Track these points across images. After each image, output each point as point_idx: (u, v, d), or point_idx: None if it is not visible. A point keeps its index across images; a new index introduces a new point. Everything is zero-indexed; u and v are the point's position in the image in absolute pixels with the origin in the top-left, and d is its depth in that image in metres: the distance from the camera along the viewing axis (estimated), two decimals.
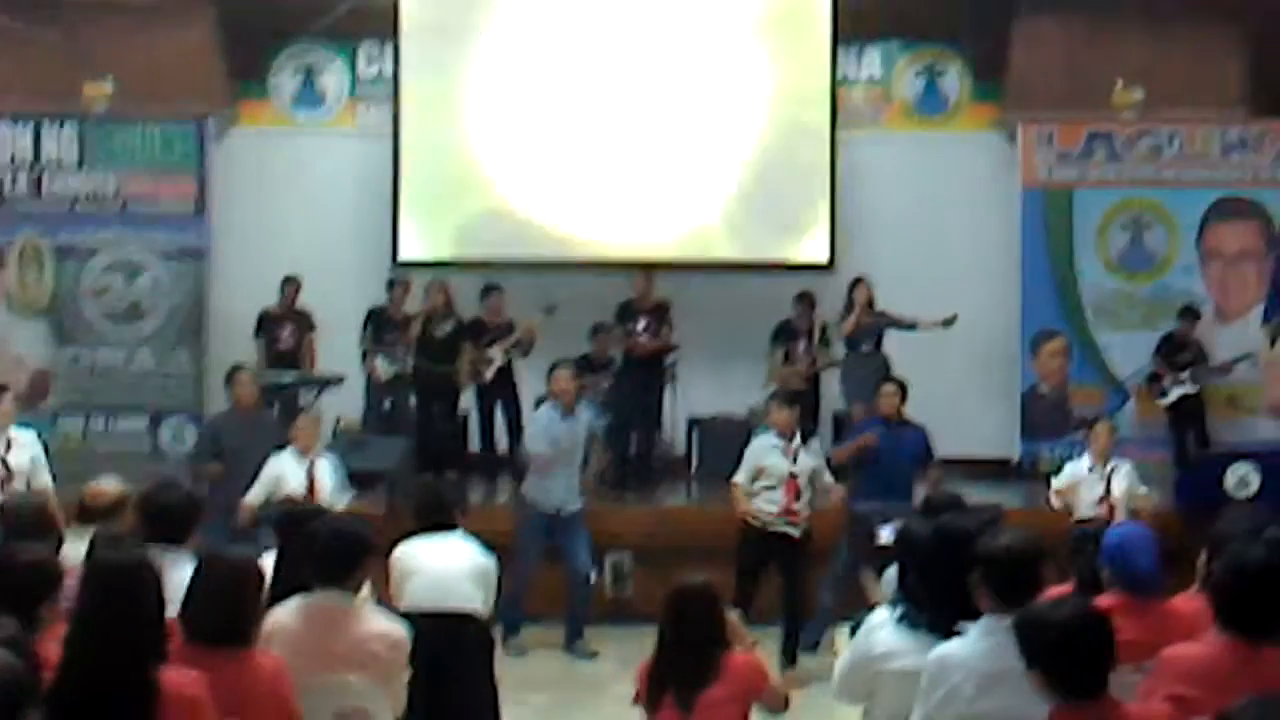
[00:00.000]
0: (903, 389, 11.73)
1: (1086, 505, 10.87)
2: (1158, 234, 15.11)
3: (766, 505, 10.67)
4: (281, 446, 10.79)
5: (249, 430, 11.36)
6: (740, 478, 10.90)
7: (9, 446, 10.39)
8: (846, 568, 10.98)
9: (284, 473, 10.58)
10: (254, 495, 10.45)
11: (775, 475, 10.70)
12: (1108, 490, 10.89)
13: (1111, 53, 15.19)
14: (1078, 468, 11.18)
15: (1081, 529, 7.29)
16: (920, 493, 10.89)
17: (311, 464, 10.67)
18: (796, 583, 10.71)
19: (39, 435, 11.02)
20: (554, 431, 11.30)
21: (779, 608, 10.59)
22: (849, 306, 13.95)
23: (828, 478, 10.94)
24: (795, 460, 10.73)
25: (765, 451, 10.87)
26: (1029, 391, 14.09)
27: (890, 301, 14.35)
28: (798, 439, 10.85)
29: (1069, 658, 4.44)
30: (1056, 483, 11.14)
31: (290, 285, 14.34)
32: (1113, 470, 11.00)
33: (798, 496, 10.66)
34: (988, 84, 15.91)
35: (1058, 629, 4.46)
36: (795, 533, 10.64)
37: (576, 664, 11.06)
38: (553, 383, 11.49)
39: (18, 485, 10.18)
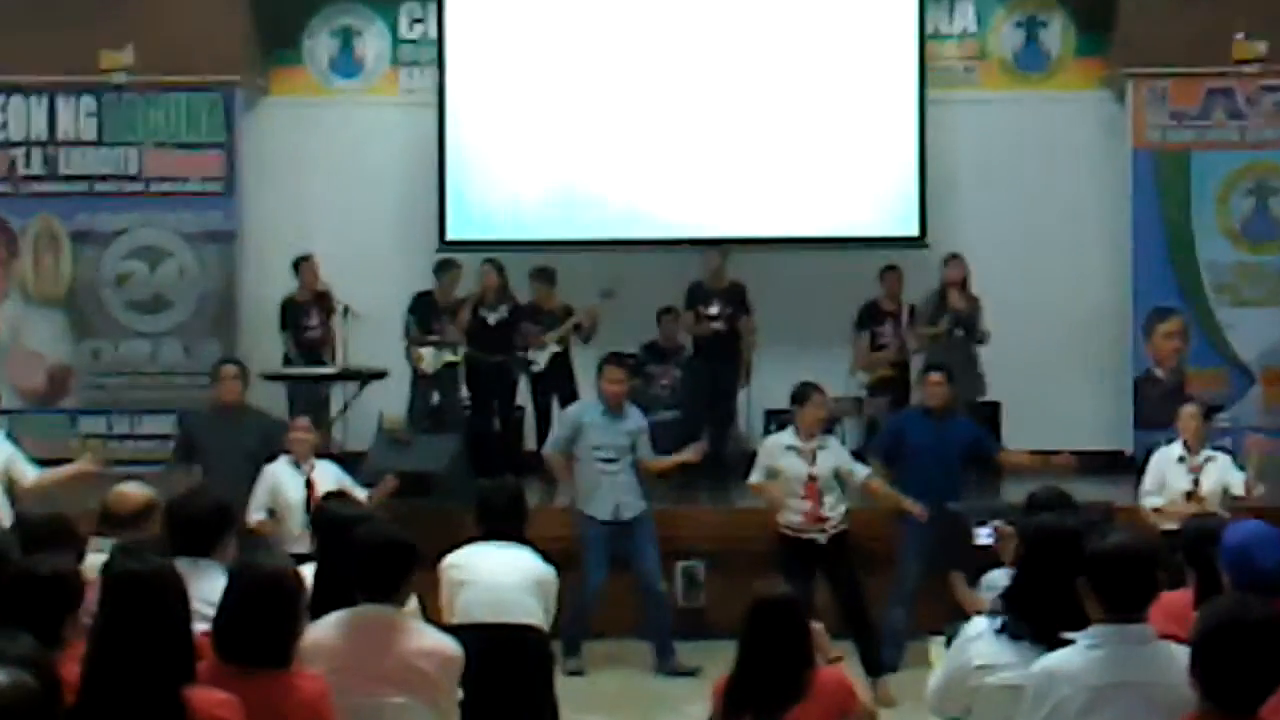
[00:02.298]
0: (949, 376, 11.68)
1: (1174, 498, 10.81)
2: None
3: (792, 516, 10.76)
4: (273, 456, 10.83)
5: (229, 429, 11.41)
6: (755, 478, 11.08)
7: None
8: (913, 578, 11.03)
9: (280, 483, 10.62)
10: (254, 514, 10.45)
11: (794, 479, 10.78)
12: (1196, 483, 10.85)
13: (1227, 3, 15.11)
14: (1165, 455, 11.14)
15: (1199, 524, 7.23)
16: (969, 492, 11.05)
17: (309, 473, 10.72)
18: (850, 588, 10.74)
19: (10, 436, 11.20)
20: (585, 424, 11.45)
21: (838, 621, 10.53)
22: (941, 288, 13.97)
23: (859, 472, 10.99)
24: (814, 461, 10.79)
25: (779, 452, 10.97)
26: (1143, 376, 14.07)
27: (984, 278, 14.34)
28: (819, 436, 10.91)
29: (1238, 664, 4.41)
30: (1148, 499, 11.01)
31: (305, 265, 14.38)
32: (1207, 460, 10.96)
33: (821, 499, 10.73)
34: (1093, 37, 15.85)
35: (1227, 632, 4.45)
36: (822, 539, 10.70)
37: (644, 682, 11.09)
38: (601, 380, 11.58)
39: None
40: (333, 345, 14.27)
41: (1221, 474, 10.89)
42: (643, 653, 11.34)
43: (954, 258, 14.19)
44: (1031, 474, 11.07)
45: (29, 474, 10.62)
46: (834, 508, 10.78)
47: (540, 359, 14.11)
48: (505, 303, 14.35)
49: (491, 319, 14.26)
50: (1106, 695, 5.05)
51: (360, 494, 10.48)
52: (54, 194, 15.38)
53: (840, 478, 10.87)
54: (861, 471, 10.97)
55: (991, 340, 14.09)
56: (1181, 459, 11.00)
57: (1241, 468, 11.05)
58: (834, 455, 10.91)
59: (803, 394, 11.02)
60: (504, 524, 7.92)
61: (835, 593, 10.58)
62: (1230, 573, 5.93)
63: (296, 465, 10.73)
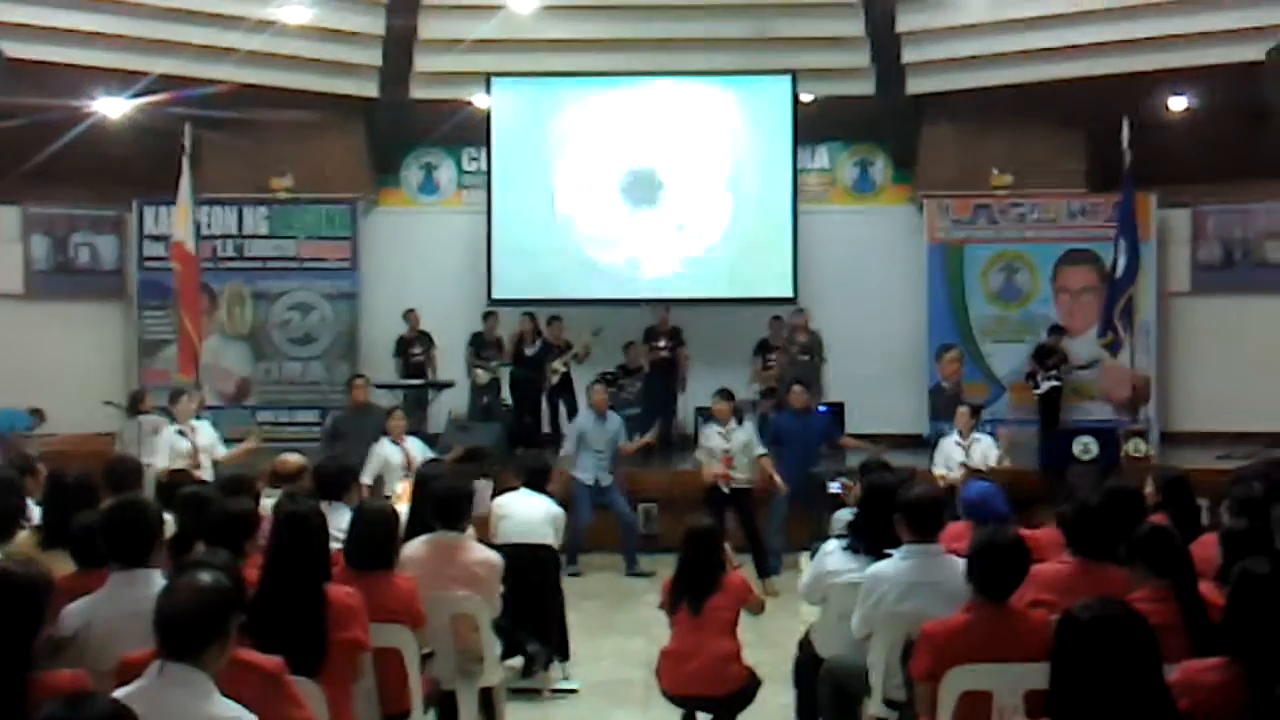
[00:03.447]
0: (808, 388, 11.87)
1: (951, 467, 10.80)
2: (1024, 275, 15.08)
3: (713, 475, 10.75)
4: (383, 434, 10.65)
5: (360, 419, 11.35)
6: (700, 455, 11.06)
7: (194, 432, 10.51)
8: (784, 518, 11.01)
9: (386, 456, 10.41)
10: (367, 476, 10.12)
11: (716, 451, 10.77)
12: (967, 455, 10.84)
13: (990, 148, 15.20)
14: (947, 440, 11.13)
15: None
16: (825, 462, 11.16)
17: (404, 446, 10.53)
18: (749, 521, 10.72)
19: (221, 422, 11.29)
20: (585, 430, 11.37)
21: (741, 541, 10.48)
22: (790, 330, 14.03)
23: (757, 449, 10.89)
24: (729, 439, 10.76)
25: (708, 435, 10.99)
26: (934, 386, 14.02)
27: (834, 323, 14.36)
28: (733, 423, 10.87)
29: (990, 569, 4.44)
30: (936, 469, 10.93)
31: (411, 314, 14.37)
32: (974, 442, 10.95)
33: (733, 464, 10.70)
34: (904, 171, 15.88)
35: (992, 549, 4.47)
36: (727, 489, 10.67)
37: (619, 580, 11.02)
38: (591, 394, 11.64)
39: (203, 458, 10.30)
40: (429, 368, 14.25)
41: (984, 451, 10.91)
42: (618, 561, 11.30)
43: (798, 310, 14.27)
44: (860, 450, 11.11)
45: (222, 449, 10.61)
46: (742, 470, 10.76)
47: (553, 378, 14.07)
48: (537, 340, 14.30)
49: (528, 352, 14.20)
50: (913, 589, 5.07)
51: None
52: (241, 269, 15.29)
53: (746, 450, 10.85)
54: (759, 450, 10.90)
55: (836, 364, 14.17)
56: (958, 442, 11.01)
57: (1010, 445, 11.13)
58: (743, 435, 10.88)
59: (717, 396, 11.06)
60: (541, 481, 7.97)
61: (740, 524, 10.56)
62: (969, 516, 5.92)
63: (394, 441, 10.62)
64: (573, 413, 13.54)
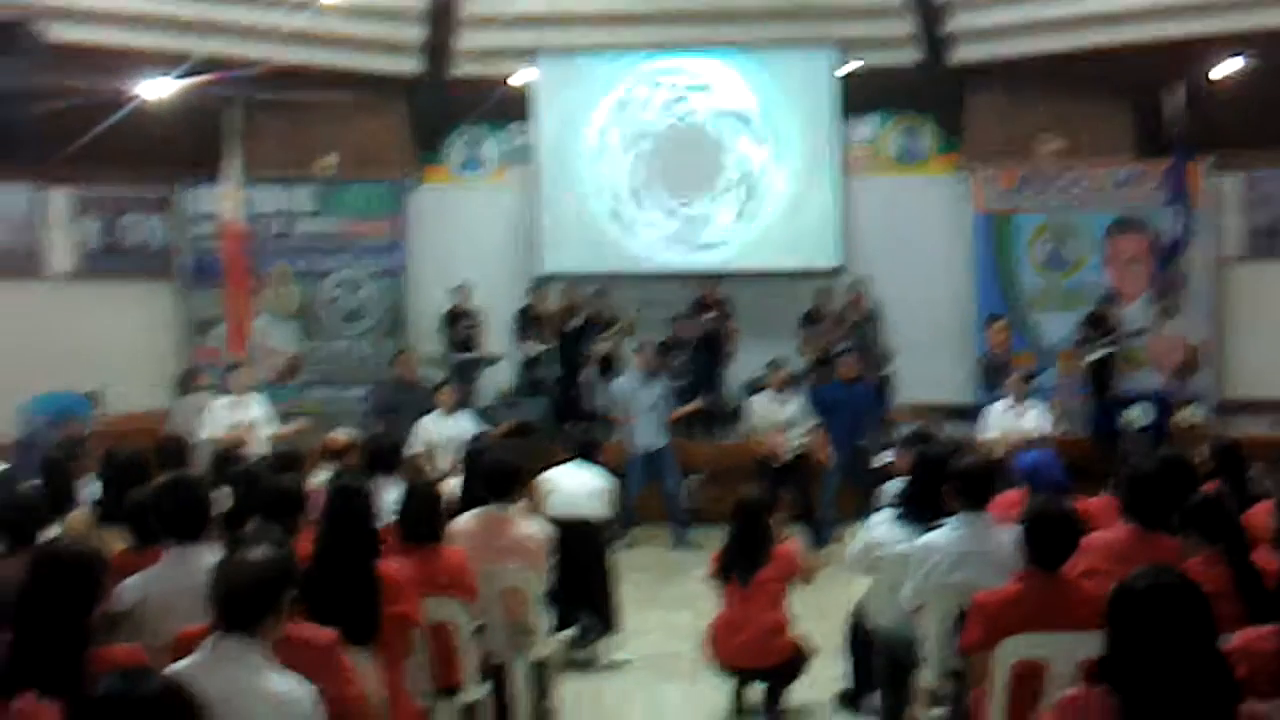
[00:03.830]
0: (860, 359, 11.97)
1: (999, 431, 10.70)
2: (1071, 244, 14.89)
3: (765, 446, 10.86)
4: (430, 409, 10.64)
5: (406, 395, 11.30)
6: (745, 428, 11.31)
7: (245, 406, 10.62)
8: (835, 490, 11.03)
9: (429, 430, 10.41)
10: (414, 450, 10.10)
11: (768, 423, 10.77)
12: (1018, 422, 10.73)
13: (1036, 117, 15.01)
14: (995, 409, 11.03)
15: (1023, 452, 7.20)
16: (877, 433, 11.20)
17: (452, 420, 10.51)
18: (801, 492, 10.74)
19: (271, 400, 11.50)
20: (626, 391, 11.53)
21: (800, 511, 10.55)
22: (845, 306, 13.97)
23: (810, 420, 10.94)
24: (782, 411, 10.89)
25: (758, 406, 11.11)
26: (983, 356, 13.92)
27: (881, 293, 14.26)
28: (785, 394, 10.90)
29: (1042, 539, 4.43)
30: (981, 436, 10.84)
31: (461, 290, 14.26)
32: (1026, 409, 10.83)
33: (784, 435, 10.78)
34: (950, 141, 15.69)
35: (1044, 519, 4.44)
36: (781, 462, 10.79)
37: (668, 553, 11.07)
38: (636, 356, 11.85)
39: (254, 432, 10.41)
40: (476, 343, 14.25)
41: (1035, 418, 10.83)
42: (664, 534, 11.34)
43: (854, 286, 14.18)
44: (904, 421, 11.12)
45: (274, 426, 10.72)
46: (792, 441, 10.79)
47: (598, 354, 14.06)
48: (580, 316, 14.24)
49: (572, 326, 14.15)
50: (964, 559, 5.05)
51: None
52: (287, 248, 15.32)
53: (794, 422, 10.86)
54: (811, 421, 10.93)
55: (883, 333, 14.10)
56: (1009, 409, 10.92)
57: (1060, 414, 11.13)
58: (794, 407, 10.94)
59: (770, 368, 11.17)
60: (591, 453, 8.08)
61: (792, 495, 10.56)
62: (1028, 483, 5.90)
63: (442, 415, 10.61)
64: None
